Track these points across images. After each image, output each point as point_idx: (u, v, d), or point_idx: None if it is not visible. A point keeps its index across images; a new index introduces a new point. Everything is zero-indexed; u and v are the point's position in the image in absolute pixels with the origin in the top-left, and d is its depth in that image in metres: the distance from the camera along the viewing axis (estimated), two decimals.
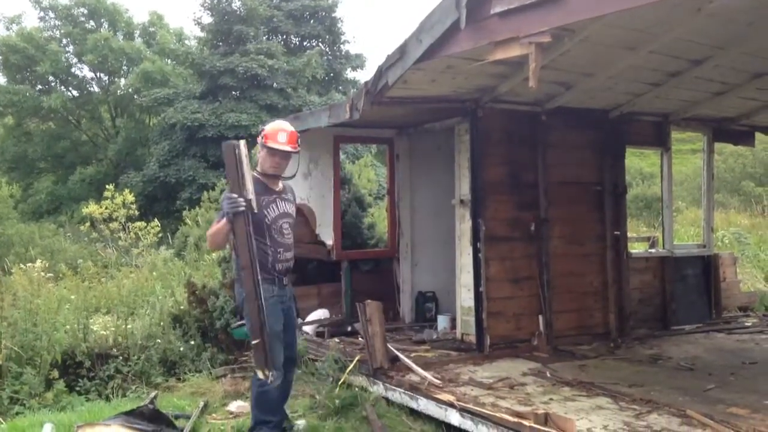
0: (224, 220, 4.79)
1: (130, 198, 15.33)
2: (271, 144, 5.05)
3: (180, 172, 23.93)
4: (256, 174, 5.09)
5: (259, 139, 5.13)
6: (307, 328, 7.86)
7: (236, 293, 5.24)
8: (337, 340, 7.35)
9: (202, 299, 8.31)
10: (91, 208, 15.83)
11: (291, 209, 5.27)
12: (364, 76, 32.14)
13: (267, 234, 5.03)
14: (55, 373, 7.00)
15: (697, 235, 13.01)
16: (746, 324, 8.77)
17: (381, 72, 5.85)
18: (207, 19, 27.30)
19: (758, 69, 6.82)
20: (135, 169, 26.41)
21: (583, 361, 6.74)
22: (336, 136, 8.53)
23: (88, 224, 16.80)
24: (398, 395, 5.90)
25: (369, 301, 6.34)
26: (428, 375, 5.92)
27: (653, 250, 8.99)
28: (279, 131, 5.09)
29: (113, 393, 7.04)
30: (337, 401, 5.88)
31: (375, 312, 6.24)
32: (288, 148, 5.10)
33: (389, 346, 6.43)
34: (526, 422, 4.62)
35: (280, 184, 5.27)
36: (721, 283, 9.22)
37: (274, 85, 25.08)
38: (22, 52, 28.97)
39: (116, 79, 32.15)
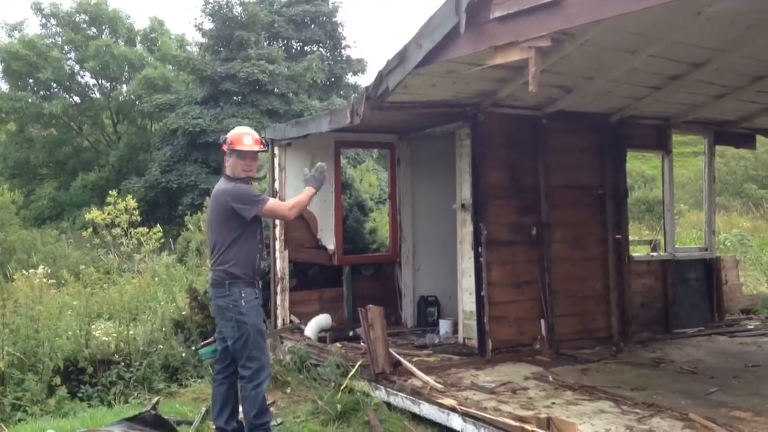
0: (311, 190, 5.36)
1: (133, 204, 15.31)
2: (238, 147, 5.23)
3: (182, 178, 23.92)
4: (229, 180, 5.26)
5: (225, 147, 5.28)
6: (308, 333, 7.86)
7: (235, 296, 5.13)
8: (338, 345, 7.34)
9: (203, 305, 8.32)
10: (94, 214, 15.80)
11: None
12: (365, 80, 32.05)
13: (259, 235, 5.27)
14: (58, 380, 6.99)
15: (699, 238, 13.00)
16: (749, 327, 8.76)
17: (381, 77, 5.85)
18: (208, 24, 27.32)
19: (758, 72, 6.83)
20: (137, 175, 26.39)
21: (585, 365, 6.73)
22: (337, 141, 8.53)
23: (90, 230, 16.80)
24: (400, 400, 5.90)
25: (371, 305, 6.35)
26: (430, 380, 5.92)
27: (655, 254, 8.99)
28: (243, 134, 5.30)
29: (115, 399, 7.03)
30: (338, 406, 5.89)
31: (377, 317, 6.24)
32: (256, 148, 5.30)
33: (391, 350, 6.43)
34: (528, 426, 4.61)
35: None
36: (724, 286, 9.21)
37: (276, 90, 25.06)
38: (24, 59, 28.96)
39: (118, 86, 32.15)
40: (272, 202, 5.35)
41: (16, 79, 30.45)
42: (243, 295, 5.09)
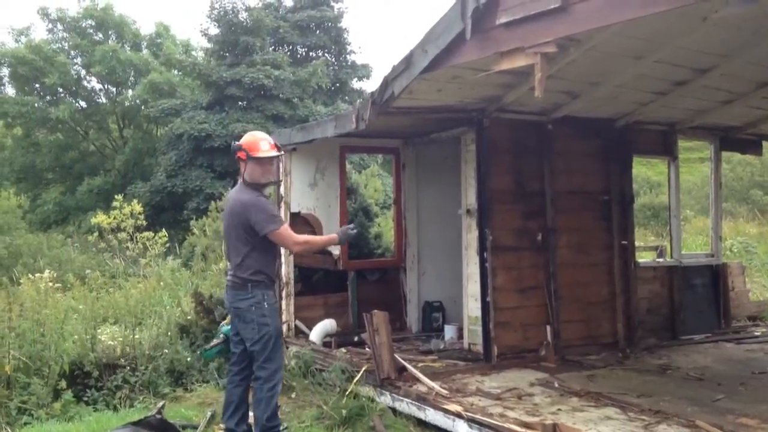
0: (334, 239, 5.63)
1: (138, 208, 15.38)
2: (257, 155, 5.18)
3: (187, 182, 23.98)
4: (249, 188, 5.20)
5: (241, 155, 5.19)
6: (313, 338, 7.86)
7: (256, 299, 5.16)
8: (343, 350, 7.34)
9: (209, 309, 8.33)
10: (99, 219, 15.90)
11: None
12: (370, 86, 32.20)
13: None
14: (63, 384, 7.00)
15: (706, 244, 12.95)
16: (755, 333, 8.72)
17: (387, 82, 5.87)
18: (214, 30, 27.42)
19: (764, 78, 6.82)
20: (142, 180, 26.47)
21: (591, 371, 6.71)
22: (342, 146, 8.55)
23: (96, 234, 16.87)
24: (405, 405, 5.89)
25: (376, 311, 6.34)
26: (435, 385, 5.91)
27: (661, 260, 8.96)
28: (260, 140, 5.26)
29: (121, 403, 7.03)
30: (344, 411, 5.88)
31: (382, 322, 6.24)
32: (273, 153, 5.27)
33: (396, 356, 6.42)
34: None
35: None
36: (730, 292, 9.17)
37: (281, 95, 25.13)
38: (31, 63, 29.12)
39: (124, 90, 32.29)
40: (284, 230, 5.20)
41: (23, 84, 30.62)
42: (265, 297, 5.15)
